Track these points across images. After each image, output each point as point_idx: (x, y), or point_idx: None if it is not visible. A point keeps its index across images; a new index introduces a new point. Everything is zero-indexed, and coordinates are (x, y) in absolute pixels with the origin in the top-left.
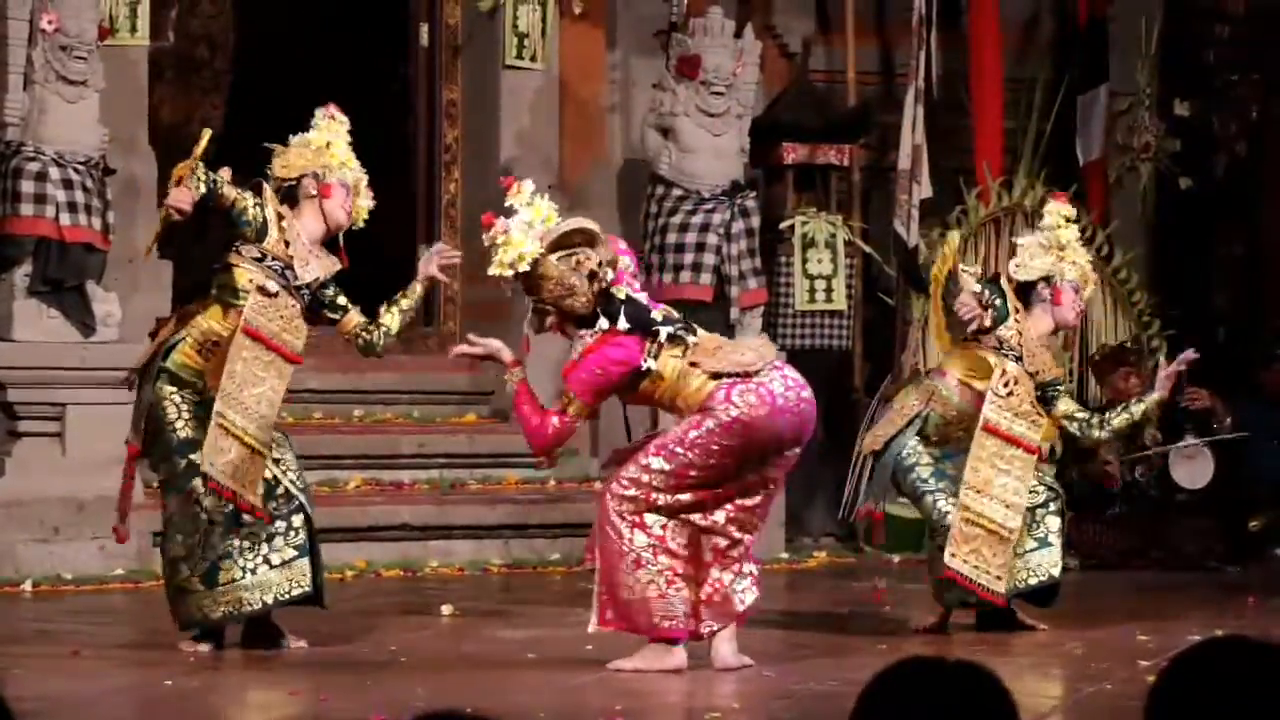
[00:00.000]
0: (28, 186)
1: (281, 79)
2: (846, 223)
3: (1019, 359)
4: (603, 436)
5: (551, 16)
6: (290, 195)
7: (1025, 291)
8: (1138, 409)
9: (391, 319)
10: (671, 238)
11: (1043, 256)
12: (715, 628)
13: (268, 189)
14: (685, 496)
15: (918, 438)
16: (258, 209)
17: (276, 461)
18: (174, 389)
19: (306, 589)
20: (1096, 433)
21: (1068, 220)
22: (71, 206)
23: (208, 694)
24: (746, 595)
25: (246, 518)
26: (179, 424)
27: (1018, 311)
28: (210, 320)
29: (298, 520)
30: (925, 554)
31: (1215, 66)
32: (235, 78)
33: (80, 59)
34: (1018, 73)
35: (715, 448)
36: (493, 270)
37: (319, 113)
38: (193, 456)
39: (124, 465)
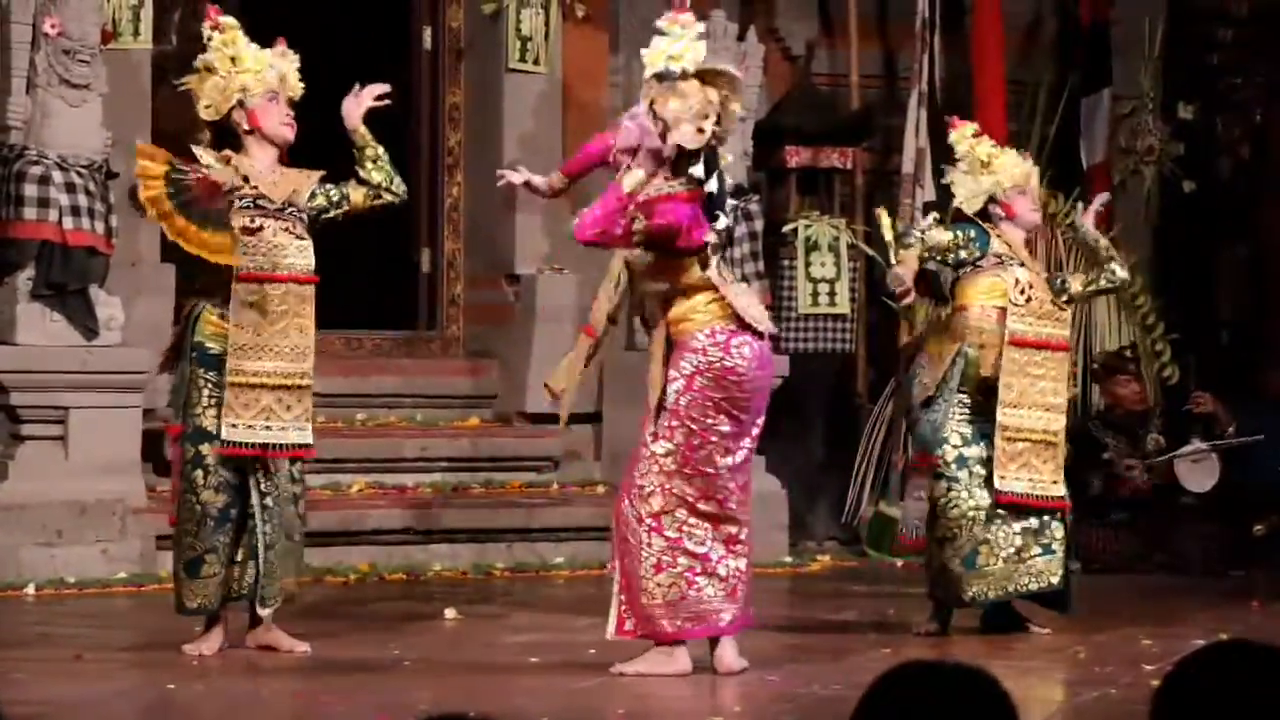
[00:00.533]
0: (30, 190)
1: None
2: (849, 226)
3: (1022, 264)
4: (606, 442)
5: (554, 20)
6: (230, 134)
7: (982, 218)
8: (1093, 239)
9: (378, 173)
10: None
11: (975, 180)
12: (737, 618)
13: (198, 149)
14: (699, 480)
15: (961, 400)
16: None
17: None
18: (204, 370)
19: (244, 593)
20: (1115, 272)
21: (975, 136)
22: (74, 210)
23: (210, 697)
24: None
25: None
26: (198, 409)
27: (994, 228)
28: (221, 275)
29: (265, 527)
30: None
31: (1219, 69)
32: None
33: (83, 62)
34: (1021, 76)
35: (708, 404)
36: (653, 63)
37: (205, 29)
38: (202, 448)
39: (169, 447)
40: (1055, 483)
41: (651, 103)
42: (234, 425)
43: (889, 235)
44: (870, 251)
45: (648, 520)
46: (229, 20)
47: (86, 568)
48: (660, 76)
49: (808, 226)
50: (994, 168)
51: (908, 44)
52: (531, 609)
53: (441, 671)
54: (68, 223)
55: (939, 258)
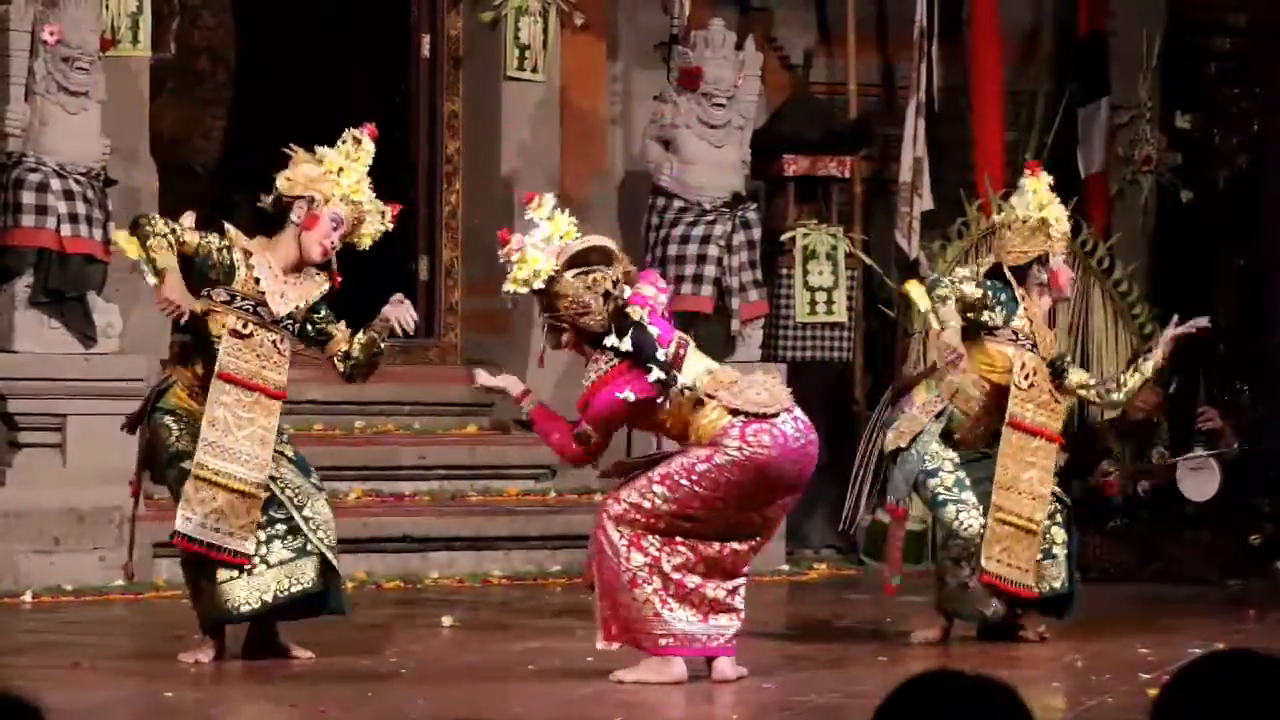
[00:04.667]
0: (29, 198)
1: (283, 90)
2: (847, 234)
3: (1034, 346)
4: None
5: (553, 28)
6: (283, 211)
7: (1019, 274)
8: (1147, 367)
9: (363, 354)
10: (672, 249)
11: (1032, 239)
12: (715, 643)
13: (231, 229)
14: (685, 524)
15: (940, 440)
16: (223, 252)
17: (274, 479)
18: (172, 417)
19: (307, 586)
20: (1114, 395)
21: (1050, 189)
22: (73, 218)
23: (207, 706)
24: (730, 624)
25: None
26: (173, 438)
27: (1024, 298)
28: (195, 367)
29: (300, 527)
30: (933, 565)
31: (1216, 79)
32: (236, 89)
33: (82, 70)
34: (1019, 85)
35: (723, 482)
36: (507, 287)
37: (348, 133)
38: (183, 465)
39: (130, 504)
40: (1026, 572)
41: (545, 310)
42: (188, 518)
43: (924, 305)
44: (868, 260)
45: (628, 535)
46: (368, 144)
47: (84, 575)
48: (533, 292)
49: (805, 235)
50: (1053, 229)
51: (906, 53)
52: (529, 617)
53: (439, 680)
54: (66, 230)
55: (962, 312)
